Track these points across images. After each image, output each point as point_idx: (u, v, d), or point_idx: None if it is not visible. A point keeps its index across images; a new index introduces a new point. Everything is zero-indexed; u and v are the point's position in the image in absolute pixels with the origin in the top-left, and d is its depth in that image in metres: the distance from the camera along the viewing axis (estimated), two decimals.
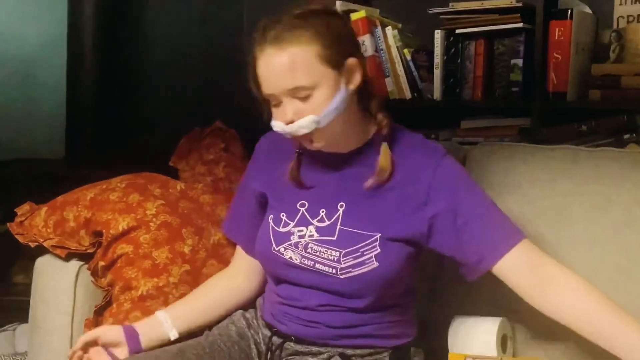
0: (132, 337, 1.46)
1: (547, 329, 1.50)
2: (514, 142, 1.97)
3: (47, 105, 3.10)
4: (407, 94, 2.25)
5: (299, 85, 1.29)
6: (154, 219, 1.67)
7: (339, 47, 1.31)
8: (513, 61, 2.08)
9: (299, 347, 1.39)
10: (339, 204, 1.37)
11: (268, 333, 1.44)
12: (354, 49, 1.36)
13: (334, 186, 1.39)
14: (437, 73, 2.19)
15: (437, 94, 2.19)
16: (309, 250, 1.36)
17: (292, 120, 1.30)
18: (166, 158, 2.05)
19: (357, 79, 1.34)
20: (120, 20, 3.04)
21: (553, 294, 1.33)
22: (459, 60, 2.16)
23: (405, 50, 2.24)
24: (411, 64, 2.24)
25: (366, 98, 1.39)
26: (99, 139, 2.98)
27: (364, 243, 1.33)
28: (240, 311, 1.52)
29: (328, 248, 1.34)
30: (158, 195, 1.73)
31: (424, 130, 2.21)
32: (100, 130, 2.99)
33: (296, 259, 1.37)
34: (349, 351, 1.36)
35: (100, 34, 3.01)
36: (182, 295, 1.61)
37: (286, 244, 1.38)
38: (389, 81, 2.27)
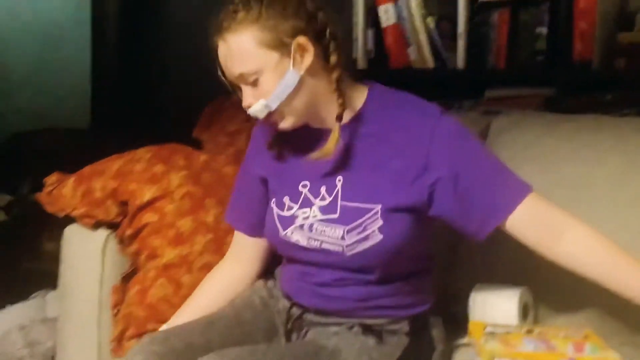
0: None
1: (568, 298, 1.51)
2: (538, 111, 1.95)
3: (73, 76, 3.12)
4: (430, 63, 2.24)
5: (242, 72, 1.30)
6: (178, 189, 1.70)
7: (282, 28, 1.28)
8: (538, 30, 2.06)
9: (318, 318, 1.41)
10: (337, 179, 1.36)
11: (287, 304, 1.46)
12: (308, 27, 1.31)
13: (330, 161, 1.36)
14: (461, 42, 2.17)
15: (460, 63, 2.18)
16: (314, 230, 1.35)
17: (250, 104, 1.32)
18: (190, 128, 2.07)
19: (308, 57, 1.30)
20: None
21: (565, 243, 1.33)
22: (482, 29, 2.14)
23: (429, 19, 2.22)
24: (434, 32, 2.22)
25: (331, 75, 1.34)
26: (124, 109, 3.00)
27: (366, 217, 1.32)
28: (262, 280, 1.54)
29: (332, 226, 1.34)
30: (182, 166, 1.75)
31: (447, 100, 2.22)
32: (125, 101, 3.01)
33: (303, 242, 1.37)
34: (368, 321, 1.37)
35: (125, 3, 3.01)
36: (205, 264, 1.63)
37: (292, 227, 1.38)
38: (411, 50, 2.26)
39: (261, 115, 1.32)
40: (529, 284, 1.54)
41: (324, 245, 1.35)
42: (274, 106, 1.31)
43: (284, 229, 1.39)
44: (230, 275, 1.54)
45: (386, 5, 2.28)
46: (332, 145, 1.32)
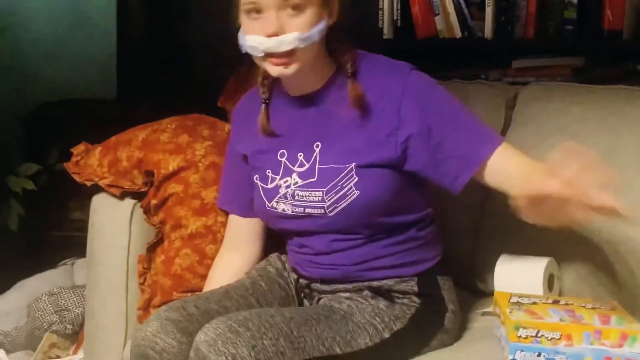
0: None
1: (594, 269, 1.50)
2: (566, 82, 1.92)
3: (99, 47, 3.13)
4: (457, 33, 2.21)
5: None
6: (203, 160, 1.70)
7: None
8: None
9: (325, 287, 1.43)
10: (315, 144, 1.37)
11: (295, 276, 1.50)
12: None
13: (308, 128, 1.38)
14: (489, 11, 2.13)
15: (488, 33, 2.15)
16: (296, 197, 1.37)
17: (276, 33, 1.28)
18: (215, 98, 2.07)
19: (334, 14, 1.35)
20: None
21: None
22: None
23: None
24: (462, 1, 2.19)
25: (333, 37, 1.38)
26: (149, 80, 3.01)
27: (341, 175, 1.34)
28: (276, 254, 1.56)
29: (311, 190, 1.36)
30: (206, 136, 1.75)
31: (474, 70, 2.19)
32: (150, 72, 3.02)
33: (288, 210, 1.39)
34: (375, 283, 1.39)
35: None
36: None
37: (277, 198, 1.41)
38: (438, 19, 2.23)
39: (283, 47, 1.28)
40: (555, 255, 1.53)
41: (308, 210, 1.37)
42: (305, 43, 1.29)
43: (269, 201, 1.42)
44: (231, 267, 1.56)
45: None
46: (356, 92, 1.35)
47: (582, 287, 1.52)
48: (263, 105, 1.44)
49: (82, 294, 2.12)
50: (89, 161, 1.81)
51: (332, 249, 1.40)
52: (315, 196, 1.36)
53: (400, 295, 1.39)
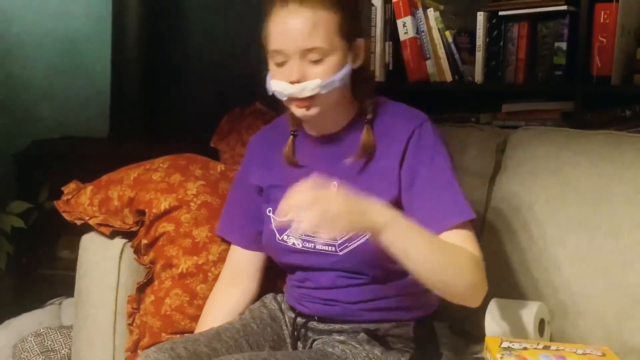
0: None
1: (585, 314, 1.50)
2: (556, 126, 1.95)
3: (92, 84, 3.14)
4: (448, 77, 2.23)
5: (317, 46, 1.31)
6: (195, 199, 1.70)
7: (355, 23, 1.38)
8: (557, 44, 2.05)
9: (322, 326, 1.42)
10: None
11: (292, 314, 1.48)
12: (363, 31, 1.42)
13: (326, 167, 1.39)
14: (479, 55, 2.16)
15: (478, 77, 2.17)
16: (306, 234, 1.37)
17: (298, 80, 1.32)
18: (208, 138, 2.08)
19: (360, 59, 1.39)
20: None
21: None
22: (501, 43, 2.14)
23: (447, 32, 2.22)
24: (453, 46, 2.22)
25: (358, 81, 1.41)
26: (142, 119, 3.02)
27: None
28: (272, 294, 1.55)
29: None
30: (199, 175, 1.76)
31: (465, 113, 2.21)
32: (143, 111, 3.03)
33: (298, 244, 1.40)
34: (372, 326, 1.38)
35: (145, 13, 3.03)
36: (220, 274, 1.63)
37: (288, 231, 1.41)
38: (430, 63, 2.26)
39: (305, 94, 1.33)
40: (545, 299, 1.53)
41: (318, 247, 1.38)
42: (327, 89, 1.33)
43: (280, 234, 1.43)
44: (228, 303, 1.55)
45: (405, 18, 2.28)
46: (369, 140, 1.39)
47: (573, 332, 1.51)
48: (291, 137, 1.46)
49: (69, 335, 2.09)
50: (79, 200, 1.80)
51: (335, 284, 1.40)
52: None
53: (395, 340, 1.38)
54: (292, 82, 1.32)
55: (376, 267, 1.37)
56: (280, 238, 1.43)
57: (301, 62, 1.32)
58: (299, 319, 1.47)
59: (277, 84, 1.35)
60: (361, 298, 1.39)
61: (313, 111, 1.36)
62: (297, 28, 1.31)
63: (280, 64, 1.34)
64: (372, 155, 1.39)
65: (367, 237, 1.33)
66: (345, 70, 1.35)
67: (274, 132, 1.53)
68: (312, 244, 1.38)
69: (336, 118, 1.42)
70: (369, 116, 1.41)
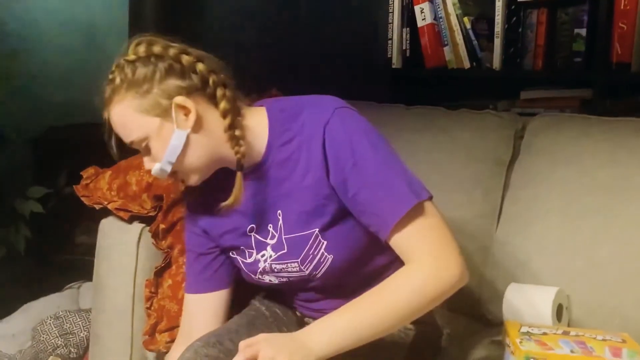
0: None
1: (603, 300, 1.49)
2: (574, 114, 1.93)
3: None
4: (466, 63, 2.22)
5: (131, 140, 1.28)
6: None
7: (157, 90, 1.25)
8: (576, 31, 2.03)
9: None
10: (277, 213, 1.32)
11: (294, 317, 1.50)
12: (185, 83, 1.27)
13: (265, 197, 1.33)
14: (497, 42, 2.15)
15: (496, 64, 2.16)
16: (275, 270, 1.35)
17: (149, 168, 1.31)
18: None
19: (192, 115, 1.25)
20: None
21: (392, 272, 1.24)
22: (520, 29, 2.13)
23: (465, 19, 2.21)
24: (471, 32, 2.21)
25: (231, 122, 1.28)
26: None
27: (309, 243, 1.29)
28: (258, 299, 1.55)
29: (286, 262, 1.33)
30: None
31: (483, 100, 2.20)
32: None
33: (274, 280, 1.38)
34: None
35: (163, 1, 3.03)
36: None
37: (259, 272, 1.37)
38: (447, 50, 2.25)
39: (162, 176, 1.29)
40: (564, 285, 1.53)
41: (292, 279, 1.36)
42: (168, 169, 1.28)
43: (254, 275, 1.39)
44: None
45: (422, 4, 2.27)
46: (238, 194, 1.27)
47: (591, 319, 1.51)
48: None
49: (87, 318, 2.12)
50: (98, 184, 1.82)
51: (320, 297, 1.40)
52: (293, 267, 1.33)
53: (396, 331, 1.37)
54: (147, 170, 1.32)
55: (353, 276, 1.34)
56: (256, 278, 1.40)
57: (143, 152, 1.31)
58: (298, 313, 1.48)
59: None
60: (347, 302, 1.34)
61: (192, 181, 1.31)
62: (115, 127, 1.29)
63: None
64: (294, 171, 1.28)
65: (330, 259, 1.29)
66: (176, 139, 1.25)
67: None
68: (286, 278, 1.36)
69: (232, 158, 1.29)
70: (244, 169, 1.28)
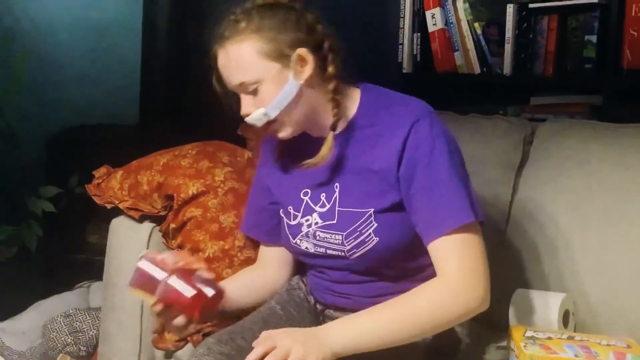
0: None
1: (611, 304, 1.49)
2: (584, 120, 1.93)
3: (123, 71, 3.17)
4: (476, 69, 2.23)
5: (242, 81, 1.31)
6: (222, 185, 1.72)
7: (283, 39, 1.30)
8: (587, 37, 2.04)
9: (338, 314, 1.44)
10: (335, 185, 1.38)
11: (312, 300, 1.51)
12: (308, 39, 1.33)
13: (329, 168, 1.38)
14: (508, 48, 2.16)
15: (507, 69, 2.17)
16: (318, 237, 1.38)
17: (248, 113, 1.34)
18: (236, 126, 2.10)
19: (308, 68, 1.32)
20: None
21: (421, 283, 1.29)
22: (530, 35, 2.13)
23: (476, 24, 2.22)
24: (481, 38, 2.21)
25: (336, 85, 1.36)
26: (171, 106, 3.05)
27: (360, 221, 1.33)
28: (298, 276, 1.57)
29: (331, 233, 1.36)
30: (226, 162, 1.78)
31: (492, 106, 2.21)
32: (173, 99, 3.06)
33: (311, 248, 1.41)
34: None
35: (176, 1, 3.06)
36: (246, 259, 1.66)
37: (300, 236, 1.42)
38: (458, 55, 2.26)
39: (259, 123, 1.34)
40: (570, 290, 1.53)
41: (329, 252, 1.38)
42: (272, 115, 1.32)
43: (293, 238, 1.43)
44: (257, 283, 1.55)
45: (433, 10, 2.28)
46: (325, 153, 1.34)
47: (597, 324, 1.51)
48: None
49: (97, 316, 2.13)
50: (110, 184, 1.83)
51: (348, 280, 1.41)
52: (335, 239, 1.36)
53: None
54: (243, 116, 1.35)
55: (387, 268, 1.37)
56: (294, 242, 1.44)
57: (245, 96, 1.34)
58: (318, 306, 1.50)
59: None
60: (373, 293, 1.39)
61: (284, 134, 1.36)
62: (224, 70, 1.33)
63: (235, 100, 1.36)
64: (372, 154, 1.34)
65: (374, 242, 1.33)
66: (289, 88, 1.31)
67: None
68: (323, 249, 1.39)
69: (322, 122, 1.37)
70: (332, 120, 1.35)
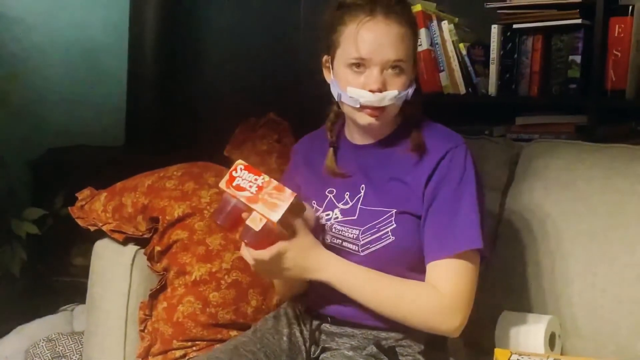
0: None
1: (598, 327, 1.49)
2: (570, 140, 1.94)
3: (109, 93, 3.17)
4: (462, 89, 2.24)
5: (402, 58, 1.35)
6: (208, 207, 1.71)
7: (416, 38, 1.42)
8: (571, 57, 2.05)
9: (334, 329, 1.43)
10: (361, 186, 1.43)
11: (308, 318, 1.49)
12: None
13: (359, 174, 1.44)
14: (493, 68, 2.17)
15: (492, 89, 2.18)
16: (334, 230, 1.41)
17: (379, 90, 1.35)
18: (222, 147, 2.09)
19: (416, 71, 1.42)
20: (182, 8, 3.09)
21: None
22: (515, 56, 2.14)
23: (461, 45, 2.23)
24: (466, 58, 2.22)
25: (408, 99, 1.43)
26: (157, 127, 3.04)
27: (381, 219, 1.37)
28: (286, 302, 1.56)
29: (349, 227, 1.40)
30: (212, 184, 1.77)
31: (478, 126, 2.21)
32: (158, 119, 3.05)
33: (327, 239, 1.43)
34: (383, 334, 1.38)
35: (162, 22, 3.05)
36: (233, 281, 1.64)
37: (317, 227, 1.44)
38: (443, 75, 2.27)
39: (383, 103, 1.35)
40: (557, 312, 1.52)
41: (344, 244, 1.40)
42: (399, 101, 1.37)
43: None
44: None
45: (419, 30, 2.29)
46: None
47: (584, 347, 1.50)
48: (331, 149, 1.48)
49: (80, 341, 2.10)
50: (93, 206, 1.82)
51: None
52: (352, 233, 1.39)
53: (404, 352, 1.38)
54: (372, 91, 1.35)
55: (393, 272, 1.37)
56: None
57: (384, 73, 1.35)
58: (314, 322, 1.47)
59: (355, 91, 1.36)
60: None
61: (380, 120, 1.39)
62: (386, 39, 1.35)
63: (358, 72, 1.36)
64: (417, 158, 1.41)
65: (389, 241, 1.36)
66: (413, 84, 1.39)
67: (316, 141, 1.55)
68: (339, 241, 1.41)
69: (384, 130, 1.44)
70: (416, 121, 1.43)
